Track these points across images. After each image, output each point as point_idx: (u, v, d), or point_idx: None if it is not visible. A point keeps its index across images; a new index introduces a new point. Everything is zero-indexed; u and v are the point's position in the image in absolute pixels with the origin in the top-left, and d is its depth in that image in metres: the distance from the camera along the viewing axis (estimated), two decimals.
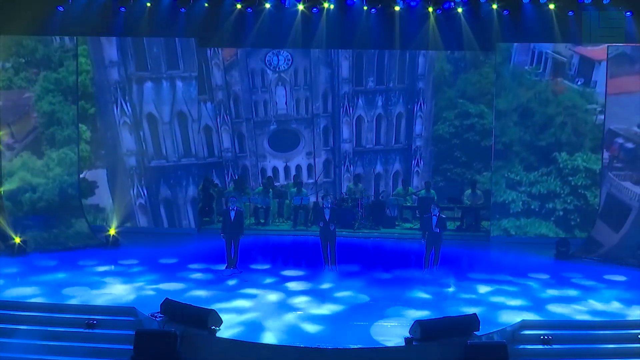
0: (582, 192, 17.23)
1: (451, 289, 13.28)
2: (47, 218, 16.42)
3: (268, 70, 19.26)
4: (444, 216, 14.19)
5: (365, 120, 19.48)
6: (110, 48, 17.62)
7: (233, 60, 19.21)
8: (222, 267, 14.37)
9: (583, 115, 17.18)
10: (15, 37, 16.59)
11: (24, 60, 16.69)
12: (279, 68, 19.25)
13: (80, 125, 17.35)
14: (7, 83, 16.59)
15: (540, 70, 17.17)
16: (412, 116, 19.43)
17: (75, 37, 16.88)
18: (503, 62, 17.31)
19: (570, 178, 17.25)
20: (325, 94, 19.42)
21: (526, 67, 17.16)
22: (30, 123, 16.77)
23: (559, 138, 17.23)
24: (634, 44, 16.32)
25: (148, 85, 17.75)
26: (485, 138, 18.66)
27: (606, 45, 16.54)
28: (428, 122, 19.33)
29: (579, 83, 17.14)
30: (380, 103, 19.41)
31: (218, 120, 19.37)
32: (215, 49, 19.12)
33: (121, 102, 17.69)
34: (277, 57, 19.22)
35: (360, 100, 19.39)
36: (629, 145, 16.39)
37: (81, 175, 17.45)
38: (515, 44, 17.18)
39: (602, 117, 16.78)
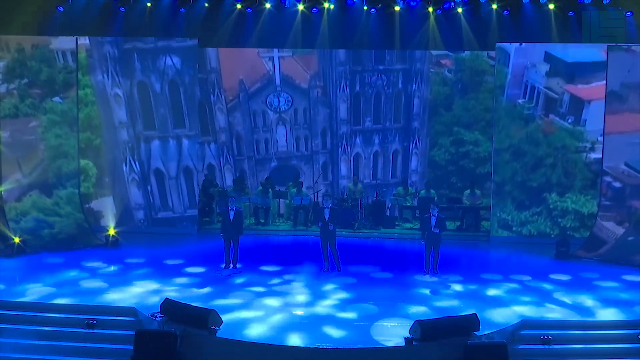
0: (571, 233, 17.21)
1: (451, 290, 13.25)
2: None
3: (269, 111, 19.72)
4: (443, 216, 14.19)
5: (363, 157, 19.79)
6: (119, 109, 17.98)
7: (235, 103, 19.70)
8: (222, 266, 14.37)
9: (573, 156, 17.27)
10: (19, 59, 16.70)
11: (26, 81, 16.74)
12: (279, 109, 19.69)
13: (87, 161, 17.64)
14: (14, 111, 16.64)
15: (533, 104, 17.35)
16: (407, 153, 19.73)
17: (76, 56, 16.96)
18: (497, 98, 17.52)
19: (560, 220, 17.33)
20: (324, 131, 19.80)
21: (519, 101, 17.37)
22: (38, 156, 16.80)
23: (549, 178, 17.31)
24: (634, 44, 16.56)
25: (155, 143, 18.14)
26: (480, 165, 18.86)
27: (596, 84, 16.79)
28: (423, 158, 19.60)
29: (569, 121, 17.33)
30: (377, 141, 19.74)
31: (221, 160, 19.74)
32: (219, 94, 19.55)
33: (130, 161, 18.03)
34: (278, 98, 19.67)
35: (357, 139, 19.74)
36: (617, 184, 16.57)
37: (87, 205, 17.59)
38: (509, 76, 17.28)
39: (592, 155, 17.00)
